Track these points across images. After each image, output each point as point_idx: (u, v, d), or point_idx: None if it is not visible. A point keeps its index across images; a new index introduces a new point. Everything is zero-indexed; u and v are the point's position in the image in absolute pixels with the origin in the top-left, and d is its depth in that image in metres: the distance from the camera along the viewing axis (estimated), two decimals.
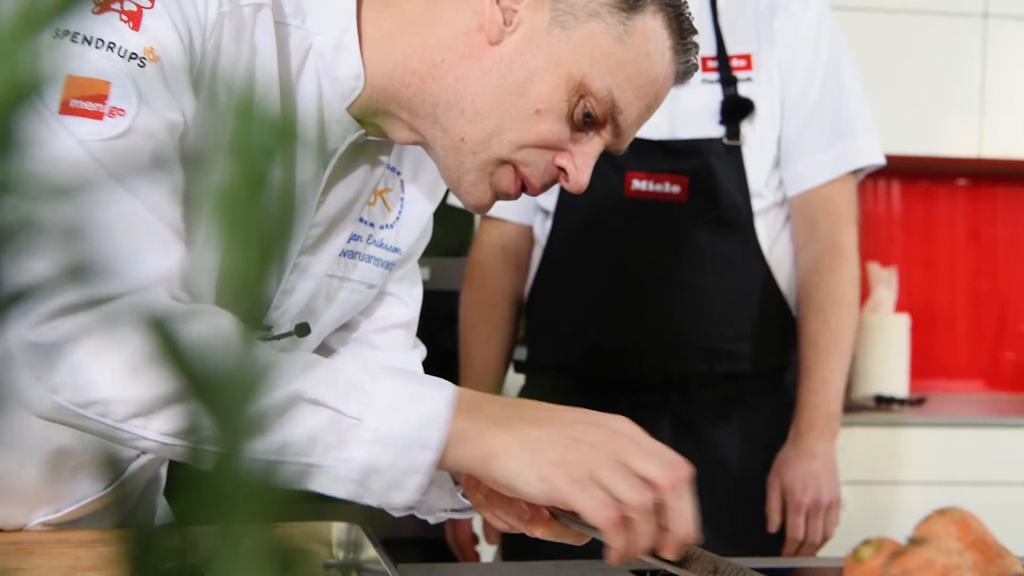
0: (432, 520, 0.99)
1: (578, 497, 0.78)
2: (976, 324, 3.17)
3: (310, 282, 0.99)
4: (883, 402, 2.68)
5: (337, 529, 1.13)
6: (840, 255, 1.61)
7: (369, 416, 0.79)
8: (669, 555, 0.82)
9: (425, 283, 2.12)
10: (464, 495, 0.93)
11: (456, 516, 0.97)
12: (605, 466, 0.78)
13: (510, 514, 0.87)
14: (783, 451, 1.60)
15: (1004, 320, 3.18)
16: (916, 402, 2.73)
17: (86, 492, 0.99)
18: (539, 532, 0.87)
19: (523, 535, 1.67)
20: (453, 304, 1.81)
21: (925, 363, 3.05)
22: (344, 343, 1.10)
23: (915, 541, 0.48)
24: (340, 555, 1.13)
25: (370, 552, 1.09)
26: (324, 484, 0.79)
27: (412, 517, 2.20)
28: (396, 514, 1.01)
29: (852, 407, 2.60)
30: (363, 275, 1.05)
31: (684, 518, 0.79)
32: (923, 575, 0.47)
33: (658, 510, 0.79)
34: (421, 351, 1.15)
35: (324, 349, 1.10)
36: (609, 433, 0.80)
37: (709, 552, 0.84)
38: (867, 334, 2.75)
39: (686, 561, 0.83)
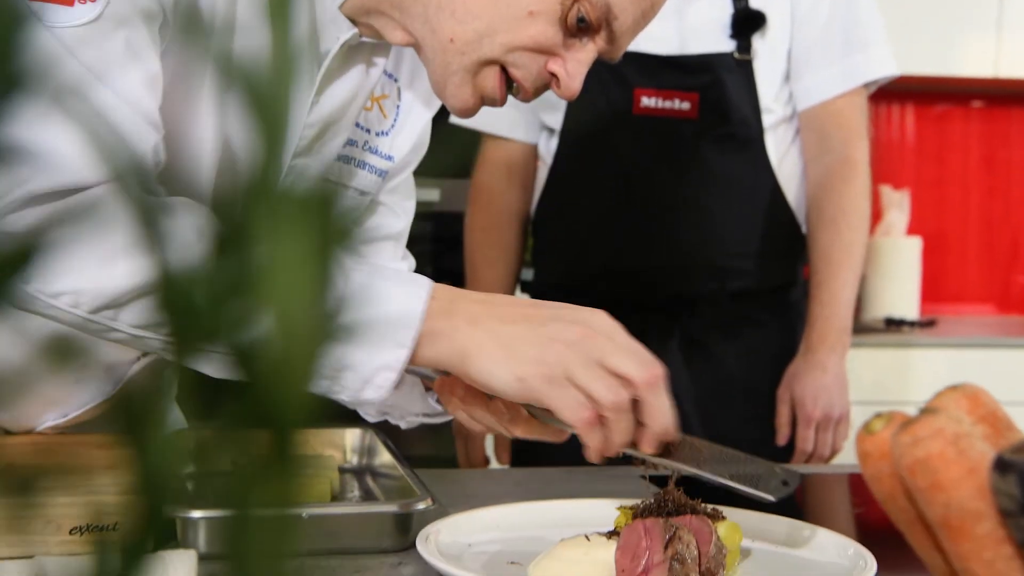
0: (404, 425, 1.00)
1: (553, 396, 0.79)
2: (988, 247, 3.15)
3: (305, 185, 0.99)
4: (893, 324, 2.69)
5: (351, 435, 1.15)
6: (852, 168, 1.60)
7: (341, 312, 0.79)
8: (648, 450, 0.82)
9: (435, 204, 2.12)
10: (438, 400, 0.94)
11: (428, 421, 0.98)
12: (580, 365, 0.78)
13: (487, 415, 0.87)
14: (793, 364, 1.61)
15: (1017, 243, 3.17)
16: (926, 324, 2.74)
17: (92, 396, 1.01)
18: (518, 431, 0.87)
19: (533, 454, 1.69)
20: (463, 226, 1.81)
21: (936, 286, 3.05)
22: None
23: (926, 411, 0.49)
24: (354, 460, 1.14)
25: (383, 457, 1.11)
26: None
27: (424, 436, 2.21)
28: (369, 419, 1.03)
29: (862, 329, 2.60)
30: (358, 182, 1.04)
31: (661, 413, 0.80)
32: (933, 442, 0.47)
33: (635, 407, 0.80)
34: (410, 263, 1.15)
35: None
36: (585, 330, 0.79)
37: (691, 438, 0.85)
38: (878, 257, 2.74)
39: (670, 451, 0.84)
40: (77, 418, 1.02)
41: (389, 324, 0.79)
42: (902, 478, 0.49)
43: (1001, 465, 0.45)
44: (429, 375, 0.88)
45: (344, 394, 0.81)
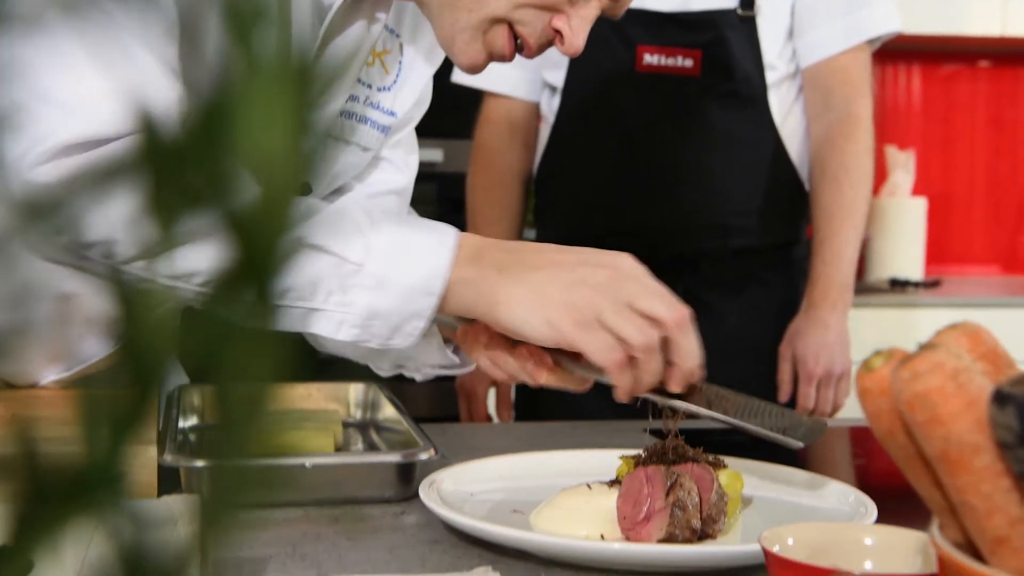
0: (419, 378, 1.01)
1: (584, 340, 0.79)
2: (994, 208, 3.14)
3: None
4: (897, 285, 2.68)
5: (355, 389, 1.15)
6: (855, 125, 1.60)
7: (371, 261, 0.79)
8: (675, 389, 0.83)
9: (438, 165, 2.11)
10: (455, 352, 0.94)
11: (445, 373, 0.98)
12: (610, 308, 0.79)
13: (511, 362, 0.88)
14: (795, 321, 1.61)
15: (1023, 204, 3.16)
16: (930, 284, 2.73)
17: (96, 350, 1.01)
18: (543, 379, 0.87)
19: (534, 412, 1.70)
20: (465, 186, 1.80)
21: (941, 247, 3.04)
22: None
23: (925, 347, 0.49)
24: (358, 414, 1.15)
25: (387, 412, 1.11)
26: (327, 328, 0.81)
27: (427, 394, 2.22)
28: (382, 373, 1.03)
29: (866, 289, 2.60)
30: (360, 137, 1.04)
31: (689, 352, 0.81)
32: (933, 377, 0.48)
33: (662, 347, 0.81)
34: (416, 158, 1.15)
35: None
36: (613, 273, 0.80)
37: (717, 387, 0.86)
38: (883, 218, 2.73)
39: (687, 394, 0.84)
40: (81, 372, 1.03)
41: (417, 272, 0.79)
42: (901, 413, 0.49)
43: (999, 397, 0.45)
44: (452, 324, 0.88)
45: (373, 343, 0.82)
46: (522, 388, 1.73)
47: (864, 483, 1.05)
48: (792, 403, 1.61)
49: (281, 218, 0.20)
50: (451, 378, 1.76)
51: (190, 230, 0.22)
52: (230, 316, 0.23)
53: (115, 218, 0.76)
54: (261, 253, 0.21)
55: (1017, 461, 0.45)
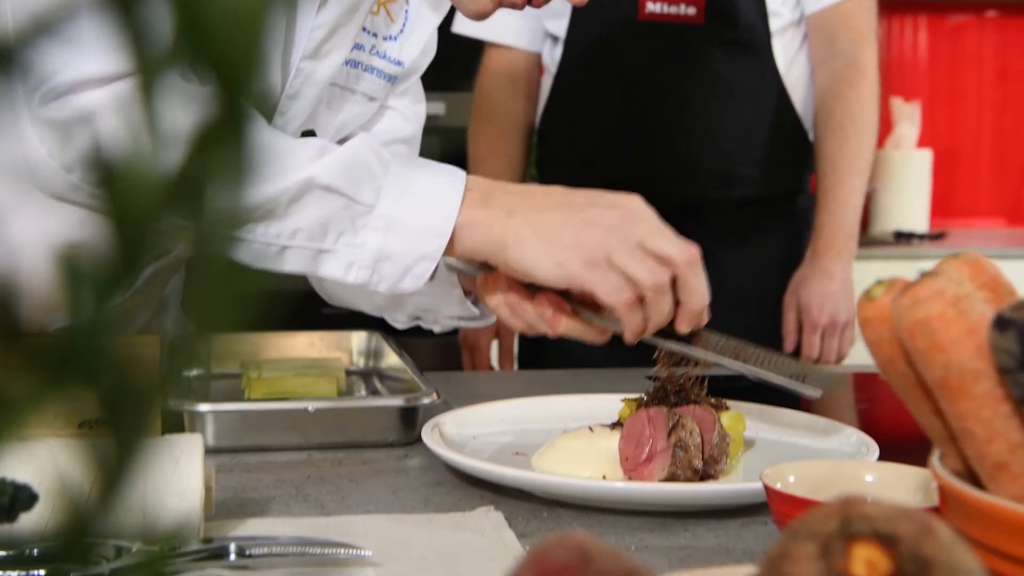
0: (438, 329, 1.00)
1: (593, 280, 0.79)
2: (1000, 160, 3.12)
3: (313, 89, 0.98)
4: (902, 237, 2.67)
5: (357, 338, 1.15)
6: (860, 72, 1.58)
7: (381, 203, 0.79)
8: (684, 329, 0.83)
9: (441, 118, 2.10)
10: (475, 303, 0.94)
11: (463, 324, 0.98)
12: (620, 248, 0.79)
13: (530, 311, 0.87)
14: (800, 271, 1.60)
15: None
16: (935, 237, 2.72)
17: None
18: (561, 328, 0.86)
19: (537, 362, 1.70)
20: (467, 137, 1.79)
21: (946, 200, 3.03)
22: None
23: (926, 274, 0.48)
24: (361, 363, 1.15)
25: (390, 360, 1.11)
26: (336, 270, 0.80)
27: (429, 348, 2.21)
28: (399, 326, 1.03)
29: (871, 241, 2.59)
30: (366, 87, 1.04)
31: (699, 292, 0.81)
32: (933, 304, 0.47)
33: (672, 287, 0.81)
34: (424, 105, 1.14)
35: None
36: (623, 214, 0.80)
37: (715, 333, 0.86)
38: (888, 170, 2.72)
39: (695, 341, 0.84)
40: None
41: (427, 214, 0.79)
42: (902, 341, 0.49)
43: (1000, 322, 0.45)
44: (471, 272, 0.88)
45: (382, 285, 0.82)
46: (525, 340, 1.73)
47: (867, 428, 1.05)
48: (797, 353, 1.61)
49: (250, 63, 0.20)
50: (455, 331, 1.76)
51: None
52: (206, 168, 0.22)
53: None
54: (231, 100, 0.20)
55: (1017, 385, 0.45)
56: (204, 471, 0.65)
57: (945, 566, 0.36)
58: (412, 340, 2.09)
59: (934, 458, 0.53)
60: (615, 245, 0.79)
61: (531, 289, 0.85)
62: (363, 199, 0.79)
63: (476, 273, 0.88)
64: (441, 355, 2.24)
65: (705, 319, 0.84)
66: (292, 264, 0.81)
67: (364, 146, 0.81)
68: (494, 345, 1.76)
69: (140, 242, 0.21)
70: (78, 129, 0.76)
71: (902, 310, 0.48)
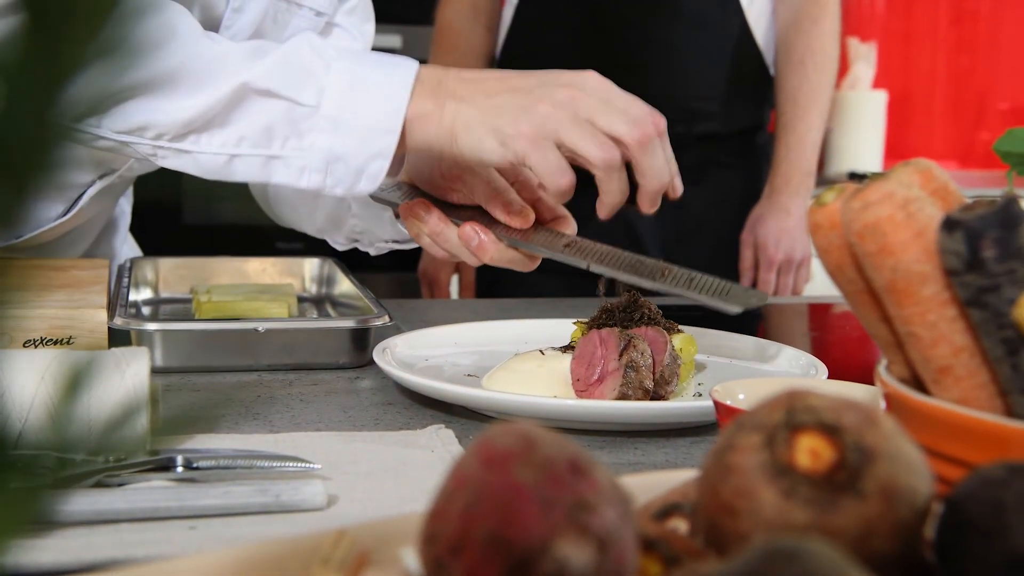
0: (374, 252, 0.99)
1: (536, 158, 0.75)
2: (954, 102, 3.14)
3: (260, 3, 0.96)
4: (856, 178, 2.69)
5: (309, 264, 1.14)
6: (821, 8, 1.58)
7: (325, 103, 0.76)
8: (646, 209, 0.80)
9: (397, 52, 2.07)
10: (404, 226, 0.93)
11: (398, 247, 0.97)
12: (568, 124, 0.75)
13: (452, 240, 0.83)
14: (757, 207, 1.61)
15: (983, 99, 3.16)
16: None
17: (45, 217, 0.99)
18: (487, 256, 0.82)
19: (496, 294, 1.69)
20: None
21: (900, 141, 3.05)
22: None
23: (876, 178, 0.48)
24: (313, 289, 1.14)
25: (343, 287, 1.10)
26: (288, 176, 0.78)
27: (390, 283, 2.20)
28: (338, 247, 1.02)
29: (825, 182, 2.61)
30: (313, 1, 1.01)
31: (652, 172, 0.77)
32: (883, 207, 0.47)
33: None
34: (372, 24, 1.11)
35: None
36: (573, 92, 0.76)
37: (662, 263, 0.83)
38: (843, 110, 2.73)
39: (636, 269, 0.81)
40: (30, 240, 1.01)
41: (374, 111, 0.76)
42: (851, 246, 0.49)
43: (949, 224, 0.45)
44: (393, 202, 0.86)
45: (338, 189, 0.78)
46: (484, 274, 1.73)
47: (819, 354, 1.06)
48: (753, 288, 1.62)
49: None
50: (414, 266, 1.75)
51: None
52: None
53: None
54: None
55: (964, 287, 0.45)
56: (150, 385, 0.64)
57: (887, 455, 0.37)
58: (371, 276, 2.08)
59: (880, 366, 0.53)
60: (563, 121, 0.75)
61: (456, 218, 0.83)
62: (305, 100, 0.76)
63: (398, 202, 0.86)
64: (400, 290, 2.23)
65: (677, 192, 0.81)
66: (243, 173, 0.78)
67: (305, 44, 0.77)
68: (455, 280, 1.75)
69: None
70: None
71: (852, 213, 0.48)
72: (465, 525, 0.32)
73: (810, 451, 0.37)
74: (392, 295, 2.21)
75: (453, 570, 0.32)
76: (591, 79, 0.78)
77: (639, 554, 0.39)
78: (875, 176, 0.49)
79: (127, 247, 1.24)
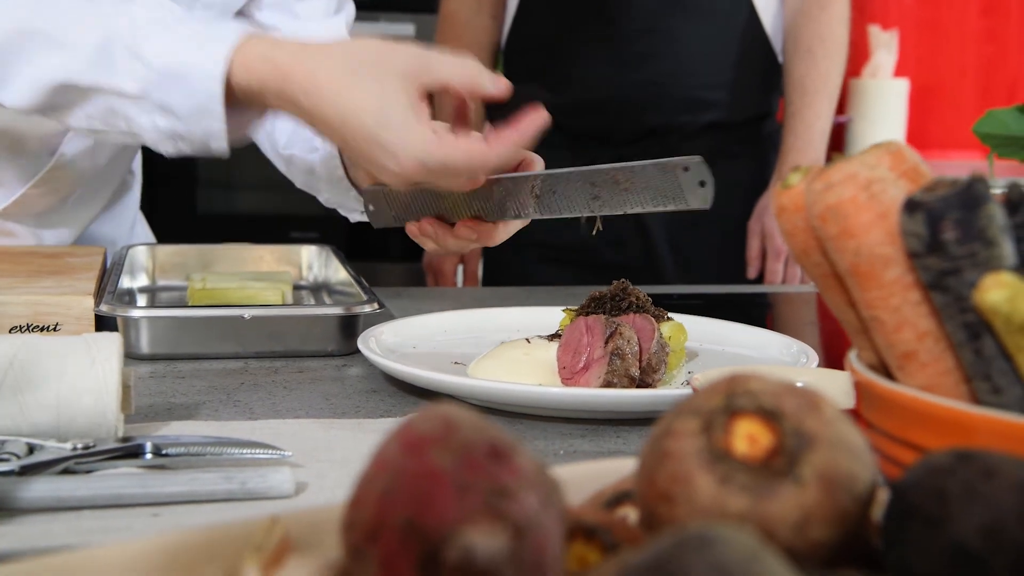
0: (353, 218, 1.00)
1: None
2: (980, 93, 3.09)
3: None
4: None
5: (307, 252, 1.13)
6: None
7: (149, 89, 0.76)
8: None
9: (411, 39, 2.07)
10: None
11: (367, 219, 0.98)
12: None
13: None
14: (765, 196, 1.59)
15: (1013, 89, 3.11)
16: None
17: (30, 171, 1.01)
18: (491, 242, 0.83)
19: (501, 283, 1.68)
20: None
21: (922, 131, 3.01)
22: (260, 9, 1.06)
23: (841, 159, 0.47)
24: (310, 277, 1.14)
25: (341, 275, 1.10)
26: (150, 143, 0.79)
27: (398, 273, 2.20)
28: (352, 218, 1.03)
29: None
30: None
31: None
32: (846, 188, 0.46)
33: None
34: (348, 12, 1.10)
35: (241, 16, 1.06)
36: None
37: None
38: (863, 99, 2.69)
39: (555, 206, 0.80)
40: (19, 201, 1.03)
41: (195, 97, 0.76)
42: (815, 229, 0.48)
43: (910, 205, 0.44)
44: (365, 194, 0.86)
45: (195, 152, 0.80)
46: (488, 264, 1.72)
47: (824, 342, 1.05)
48: (761, 279, 1.60)
49: None
50: (419, 257, 1.75)
51: None
52: None
53: None
54: None
55: (926, 270, 0.44)
56: (122, 370, 0.64)
57: (827, 441, 0.35)
58: (378, 266, 2.08)
59: (851, 353, 0.52)
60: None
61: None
62: (128, 90, 0.76)
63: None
64: (413, 279, 2.23)
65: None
66: (117, 141, 0.82)
67: (126, 27, 0.77)
68: (460, 271, 1.75)
69: None
70: None
71: (814, 195, 0.46)
72: (381, 512, 0.32)
73: (747, 436, 0.36)
74: (404, 284, 2.21)
75: (370, 557, 0.32)
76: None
77: (578, 542, 0.39)
78: (840, 157, 0.47)
79: (141, 233, 1.26)
